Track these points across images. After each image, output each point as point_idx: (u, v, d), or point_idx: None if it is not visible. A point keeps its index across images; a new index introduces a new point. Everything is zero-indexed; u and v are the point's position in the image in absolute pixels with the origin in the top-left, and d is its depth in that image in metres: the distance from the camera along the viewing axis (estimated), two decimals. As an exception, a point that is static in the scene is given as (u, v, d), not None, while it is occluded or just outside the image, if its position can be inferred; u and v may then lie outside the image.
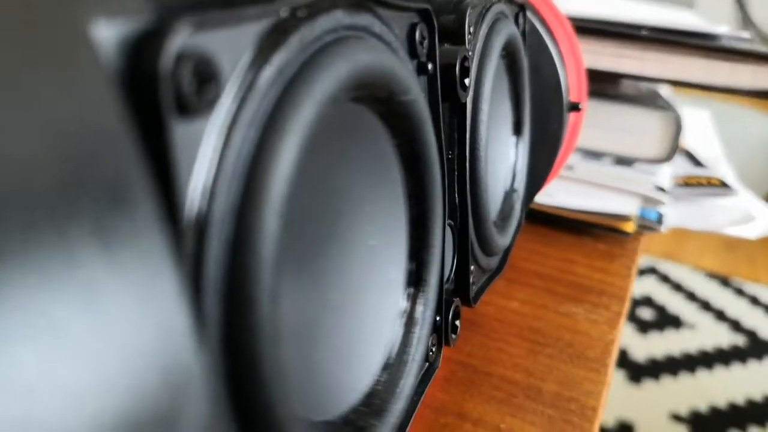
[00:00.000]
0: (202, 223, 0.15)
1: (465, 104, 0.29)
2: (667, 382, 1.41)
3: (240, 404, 0.16)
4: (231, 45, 0.16)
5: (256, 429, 0.17)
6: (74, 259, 0.10)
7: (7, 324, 0.09)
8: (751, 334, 1.58)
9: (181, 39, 0.14)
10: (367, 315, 0.24)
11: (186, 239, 0.15)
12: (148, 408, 0.11)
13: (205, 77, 0.15)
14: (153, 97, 0.14)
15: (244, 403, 0.16)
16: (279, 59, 0.17)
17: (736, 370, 1.47)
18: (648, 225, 0.56)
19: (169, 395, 0.11)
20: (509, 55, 0.36)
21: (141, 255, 0.11)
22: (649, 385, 1.39)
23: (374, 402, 0.24)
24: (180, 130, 0.14)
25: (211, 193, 0.15)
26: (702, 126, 0.83)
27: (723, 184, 0.64)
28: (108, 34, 0.13)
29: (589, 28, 0.53)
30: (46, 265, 0.10)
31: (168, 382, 0.11)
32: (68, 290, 0.10)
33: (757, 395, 1.39)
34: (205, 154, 0.15)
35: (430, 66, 0.26)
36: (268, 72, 0.17)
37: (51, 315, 0.10)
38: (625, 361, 1.44)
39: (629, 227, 0.56)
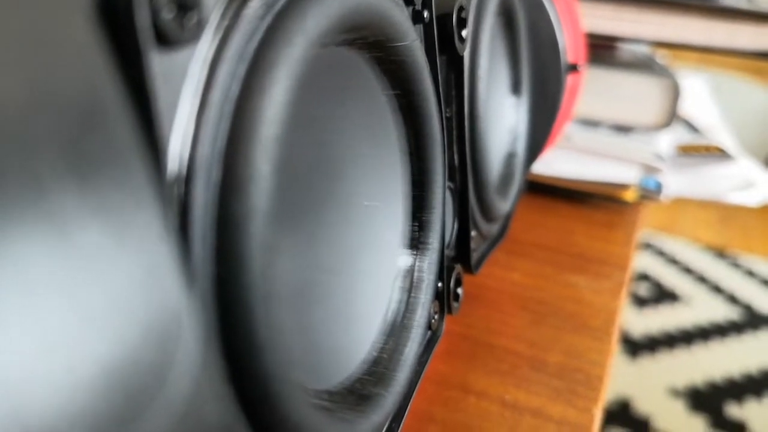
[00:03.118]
0: (186, 167, 0.14)
1: (462, 58, 0.28)
2: (663, 356, 1.41)
3: (234, 368, 0.15)
4: (213, -30, 0.14)
5: (251, 395, 0.15)
6: (41, 183, 0.09)
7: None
8: (746, 307, 1.58)
9: (156, -40, 0.12)
10: (366, 278, 0.23)
11: (170, 184, 0.13)
12: (134, 356, 0.09)
13: (185, 4, 0.13)
14: (128, 24, 0.12)
15: (238, 367, 0.15)
16: (266, -10, 0.16)
17: (732, 343, 1.47)
18: (648, 194, 0.55)
19: (156, 343, 0.10)
20: (506, 12, 0.34)
21: (117, 185, 0.10)
22: (645, 361, 1.39)
23: (378, 370, 0.22)
24: (159, 62, 0.13)
25: (196, 134, 0.14)
26: (699, 93, 0.82)
27: (722, 152, 0.63)
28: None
29: (585, -9, 0.52)
30: (8, 189, 0.08)
31: (155, 329, 0.10)
32: (34, 219, 0.09)
33: (753, 368, 1.39)
34: (188, 91, 0.14)
35: (425, 14, 0.24)
36: (254, 3, 0.15)
37: (17, 252, 0.08)
38: (621, 336, 1.44)
39: (629, 196, 0.55)
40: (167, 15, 0.13)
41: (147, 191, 0.10)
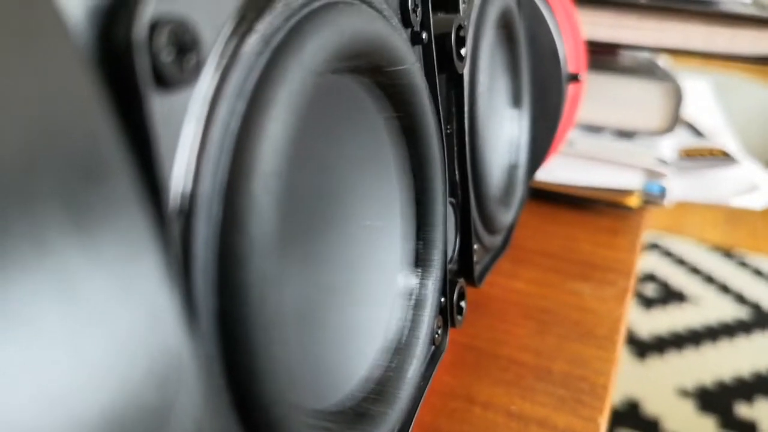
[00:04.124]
0: (188, 204, 0.14)
1: (462, 76, 0.28)
2: (672, 357, 1.40)
3: (237, 395, 0.15)
4: (210, 10, 0.14)
5: (255, 420, 0.16)
6: (44, 241, 0.09)
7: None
8: (755, 306, 1.57)
9: (154, 4, 0.13)
10: (368, 298, 0.23)
11: (171, 221, 0.14)
12: (136, 402, 0.10)
13: (184, 46, 0.13)
14: (128, 68, 0.12)
15: (241, 395, 0.15)
16: (264, 26, 0.16)
17: (741, 342, 1.46)
18: (651, 199, 0.55)
19: (157, 387, 0.10)
20: (505, 26, 0.34)
21: (120, 236, 0.10)
22: (654, 361, 1.39)
23: (381, 388, 0.23)
24: (160, 104, 0.13)
25: (197, 171, 0.14)
26: (702, 96, 0.82)
27: (726, 155, 0.63)
28: (76, 1, 0.12)
29: (585, -1, 0.52)
30: (12, 250, 0.09)
31: (156, 373, 0.10)
32: (38, 277, 0.09)
33: (763, 367, 1.38)
34: (188, 129, 0.14)
35: (424, 35, 0.24)
36: (252, 40, 0.15)
37: (21, 306, 0.09)
38: (629, 337, 1.44)
39: (633, 202, 0.55)
40: (167, 58, 0.13)
41: (149, 237, 0.11)
